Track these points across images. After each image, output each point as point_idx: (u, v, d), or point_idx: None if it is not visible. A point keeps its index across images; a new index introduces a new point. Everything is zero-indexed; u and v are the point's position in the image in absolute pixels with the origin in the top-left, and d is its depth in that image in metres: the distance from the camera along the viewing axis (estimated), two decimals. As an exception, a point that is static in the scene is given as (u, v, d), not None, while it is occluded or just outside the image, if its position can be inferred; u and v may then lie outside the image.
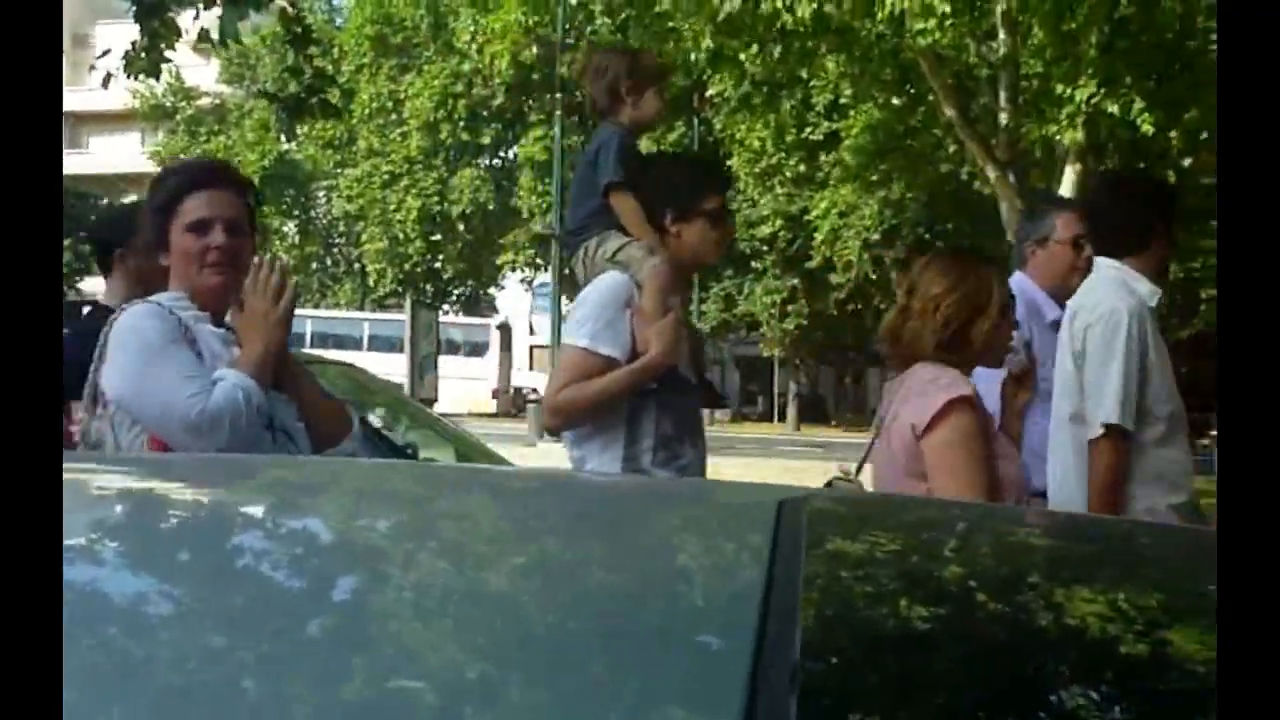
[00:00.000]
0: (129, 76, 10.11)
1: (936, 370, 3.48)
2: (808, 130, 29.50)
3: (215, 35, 9.73)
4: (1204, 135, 18.18)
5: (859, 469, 3.81)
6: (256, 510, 1.49)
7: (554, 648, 0.94)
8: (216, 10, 9.75)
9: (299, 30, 11.13)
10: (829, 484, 3.71)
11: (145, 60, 9.98)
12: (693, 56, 19.90)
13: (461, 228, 44.80)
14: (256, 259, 3.30)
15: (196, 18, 10.05)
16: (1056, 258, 4.92)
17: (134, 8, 9.89)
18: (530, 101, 42.90)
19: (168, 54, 10.05)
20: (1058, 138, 18.81)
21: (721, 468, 22.23)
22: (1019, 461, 3.64)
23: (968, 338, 3.51)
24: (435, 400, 26.96)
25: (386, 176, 44.55)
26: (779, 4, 16.68)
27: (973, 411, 3.39)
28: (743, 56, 19.61)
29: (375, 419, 7.63)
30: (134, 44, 9.95)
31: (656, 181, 4.02)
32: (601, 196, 3.99)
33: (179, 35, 9.96)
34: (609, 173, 3.98)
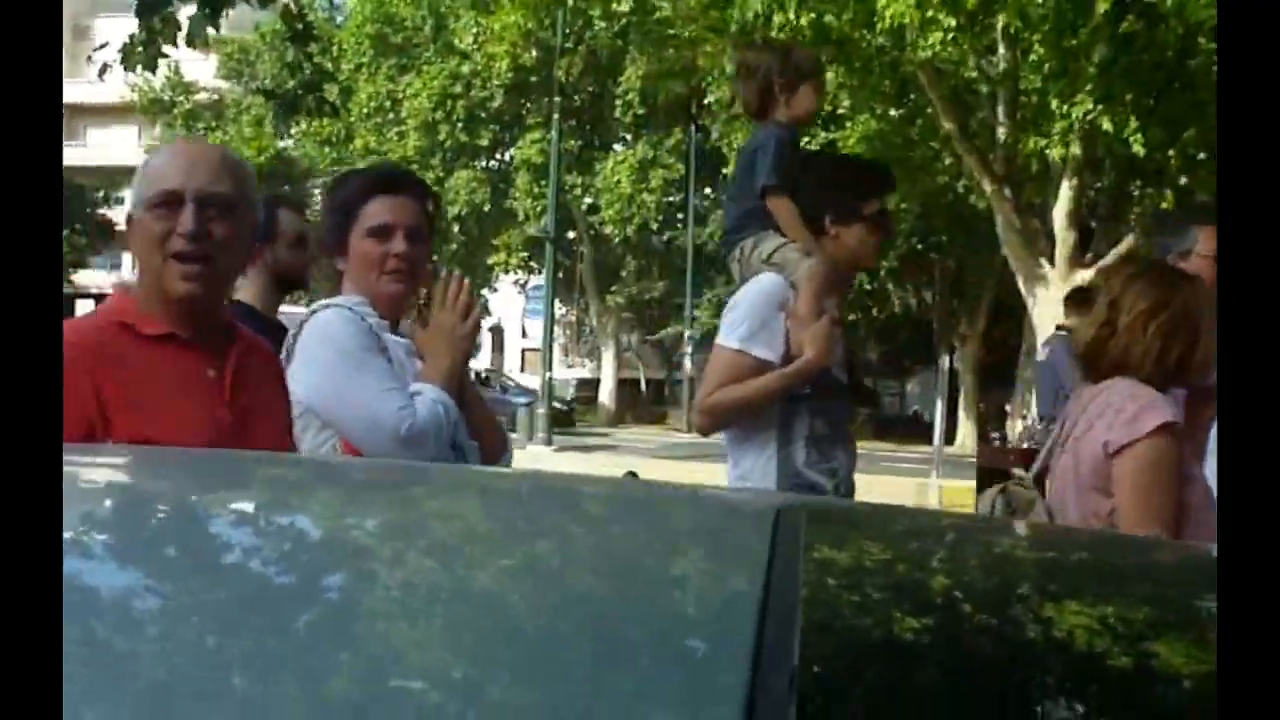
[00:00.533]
0: (126, 70, 9.98)
1: (1136, 388, 3.33)
2: (805, 140, 29.54)
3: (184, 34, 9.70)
4: (1201, 155, 18.23)
5: (1036, 475, 3.70)
6: (245, 507, 1.49)
7: (551, 654, 0.94)
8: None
9: (300, 27, 11.06)
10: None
11: (143, 54, 9.85)
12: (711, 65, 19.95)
13: (456, 229, 44.74)
14: (445, 274, 3.28)
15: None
16: (1200, 271, 4.76)
17: (135, 2, 9.80)
18: (528, 104, 42.87)
19: (166, 49, 9.95)
20: (1049, 153, 18.86)
21: (716, 475, 22.23)
22: (1205, 485, 3.42)
23: (1189, 361, 3.37)
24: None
25: (383, 176, 44.40)
26: (789, 15, 16.71)
27: (1172, 438, 3.24)
28: None
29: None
30: (131, 37, 9.83)
31: (818, 182, 3.95)
32: (759, 198, 3.92)
33: (179, 30, 9.87)
34: (766, 176, 3.91)
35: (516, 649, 0.94)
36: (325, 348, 3.08)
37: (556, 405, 36.41)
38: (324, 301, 3.21)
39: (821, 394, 3.76)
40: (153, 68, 9.94)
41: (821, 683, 0.90)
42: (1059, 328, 9.43)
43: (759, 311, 3.74)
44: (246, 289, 4.42)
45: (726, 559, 1.29)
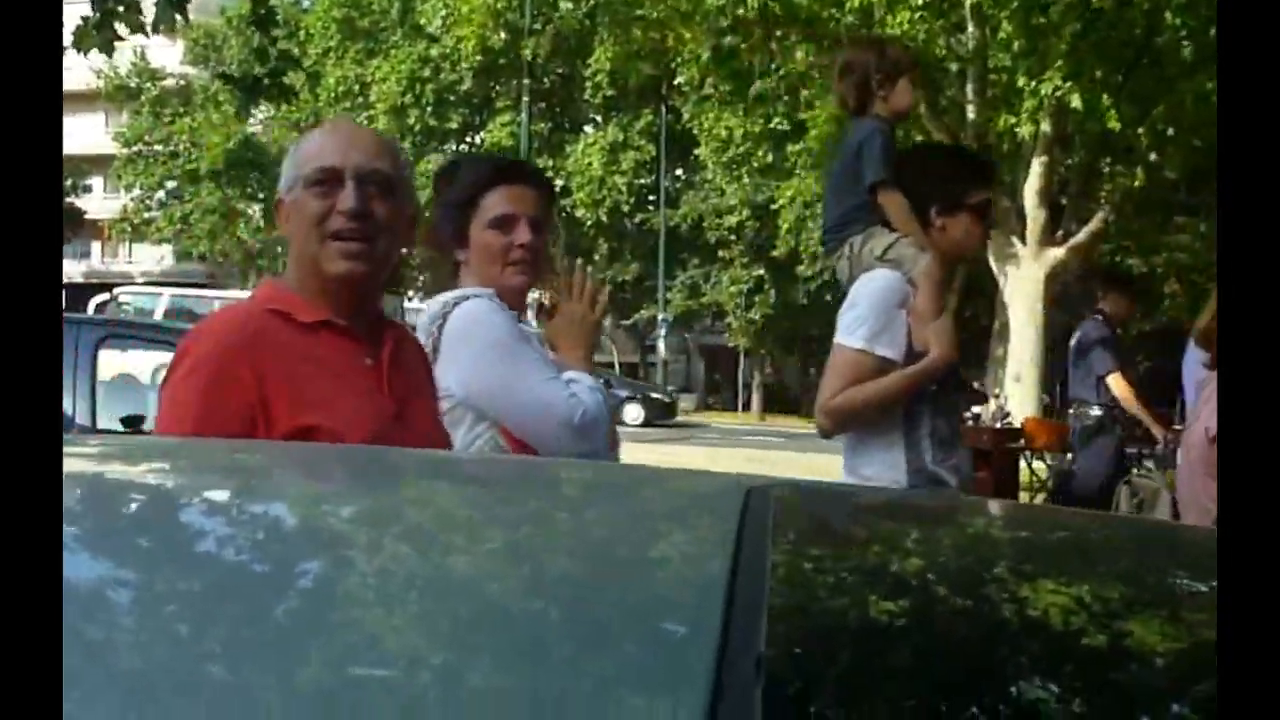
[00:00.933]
0: (80, 53, 9.72)
1: None
2: (775, 120, 29.58)
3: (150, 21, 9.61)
4: (1171, 131, 18.32)
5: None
6: (221, 495, 1.48)
7: (517, 636, 0.93)
8: None
9: (263, 11, 10.98)
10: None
11: (97, 37, 9.62)
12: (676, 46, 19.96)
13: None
14: (569, 264, 3.26)
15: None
16: None
17: None
18: (497, 87, 42.88)
19: (121, 32, 9.73)
20: (1019, 130, 18.95)
21: (686, 456, 22.32)
22: None
23: None
24: None
25: (353, 160, 44.28)
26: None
27: None
28: (743, 48, 19.75)
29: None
30: (85, 19, 9.59)
31: (922, 174, 3.92)
32: (866, 193, 3.88)
33: (139, 13, 9.70)
34: (875, 171, 3.88)
35: (482, 631, 0.94)
36: (479, 339, 3.02)
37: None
38: (460, 292, 3.14)
39: (942, 391, 3.73)
40: (108, 51, 9.73)
41: (789, 665, 0.90)
42: (1095, 312, 9.51)
43: (881, 309, 3.70)
44: None
45: (694, 540, 1.29)
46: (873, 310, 3.70)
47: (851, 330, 3.71)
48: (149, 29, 9.68)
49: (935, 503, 1.93)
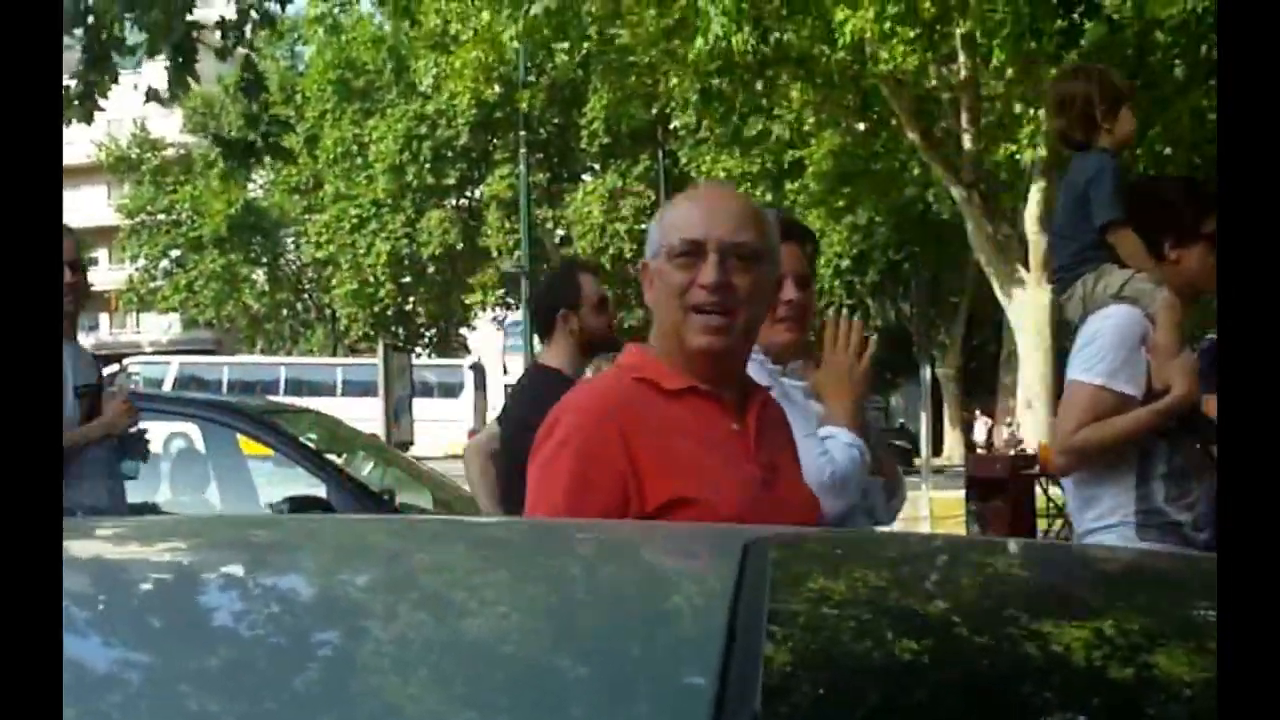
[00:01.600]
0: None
1: None
2: (773, 158, 29.64)
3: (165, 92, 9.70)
4: (1168, 150, 18.31)
5: None
6: (236, 569, 1.49)
7: (518, 693, 0.94)
8: (161, 60, 9.68)
9: (251, 76, 11.05)
10: None
11: (79, 108, 9.68)
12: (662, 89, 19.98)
13: (431, 269, 44.85)
14: (833, 314, 3.23)
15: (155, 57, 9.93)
16: None
17: (83, 55, 9.65)
18: (494, 140, 42.96)
19: (101, 103, 9.76)
20: (1018, 157, 18.93)
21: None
22: None
23: None
24: (411, 443, 26.94)
25: (354, 220, 44.45)
26: (746, 35, 16.77)
27: None
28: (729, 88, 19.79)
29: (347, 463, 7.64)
30: (67, 89, 9.62)
31: (1154, 206, 3.83)
32: (1095, 231, 3.80)
33: (115, 80, 9.74)
34: (1105, 210, 3.78)
35: (485, 689, 0.95)
36: None
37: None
38: None
39: (1180, 428, 3.65)
40: (88, 121, 9.76)
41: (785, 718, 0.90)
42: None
43: (1120, 345, 3.63)
44: (553, 354, 4.54)
45: (693, 595, 1.30)
46: (1112, 346, 3.64)
47: (1090, 366, 3.65)
48: (163, 97, 9.78)
49: (936, 546, 1.93)
